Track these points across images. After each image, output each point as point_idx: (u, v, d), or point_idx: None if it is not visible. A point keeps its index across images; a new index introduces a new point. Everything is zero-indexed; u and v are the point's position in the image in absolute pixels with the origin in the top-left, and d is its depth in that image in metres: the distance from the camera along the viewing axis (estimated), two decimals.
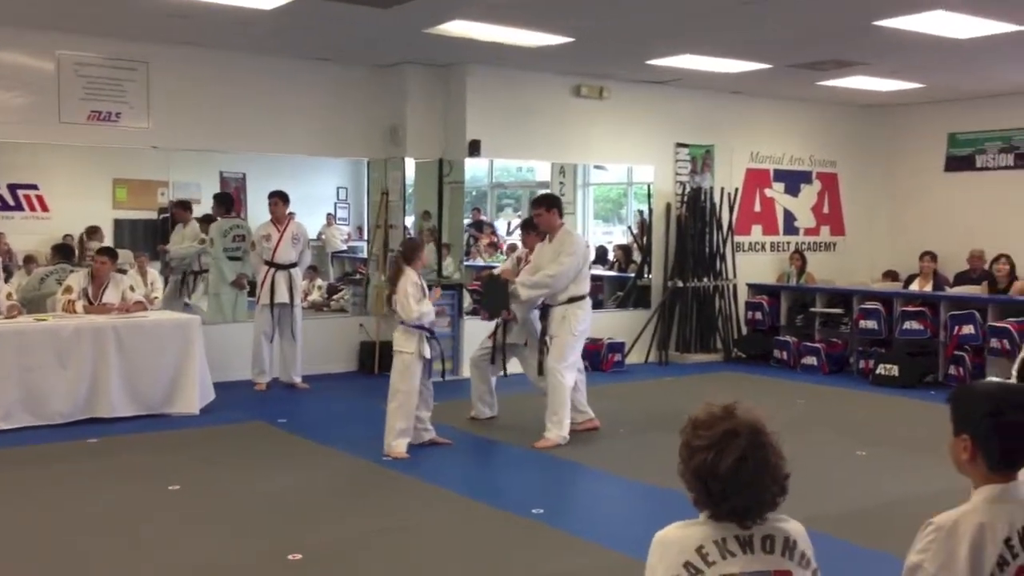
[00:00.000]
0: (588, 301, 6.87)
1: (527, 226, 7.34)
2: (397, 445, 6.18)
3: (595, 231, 12.68)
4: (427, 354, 6.22)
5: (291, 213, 8.69)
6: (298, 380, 8.59)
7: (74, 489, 5.46)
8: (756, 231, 11.63)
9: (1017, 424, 2.13)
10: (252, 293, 8.93)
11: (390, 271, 6.87)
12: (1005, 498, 2.14)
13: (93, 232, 9.28)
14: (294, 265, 8.56)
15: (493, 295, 7.09)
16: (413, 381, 6.20)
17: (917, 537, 2.15)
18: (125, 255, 9.25)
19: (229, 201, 9.41)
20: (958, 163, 11.62)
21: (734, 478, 1.93)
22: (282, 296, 8.43)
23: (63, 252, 8.63)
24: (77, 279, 7.48)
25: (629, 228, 12.01)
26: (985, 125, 11.31)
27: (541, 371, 6.81)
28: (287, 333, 8.54)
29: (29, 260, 8.88)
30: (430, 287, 6.55)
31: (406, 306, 6.12)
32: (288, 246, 8.49)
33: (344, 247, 12.79)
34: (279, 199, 8.56)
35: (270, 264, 8.45)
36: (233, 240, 9.04)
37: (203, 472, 5.87)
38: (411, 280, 6.17)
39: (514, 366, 7.33)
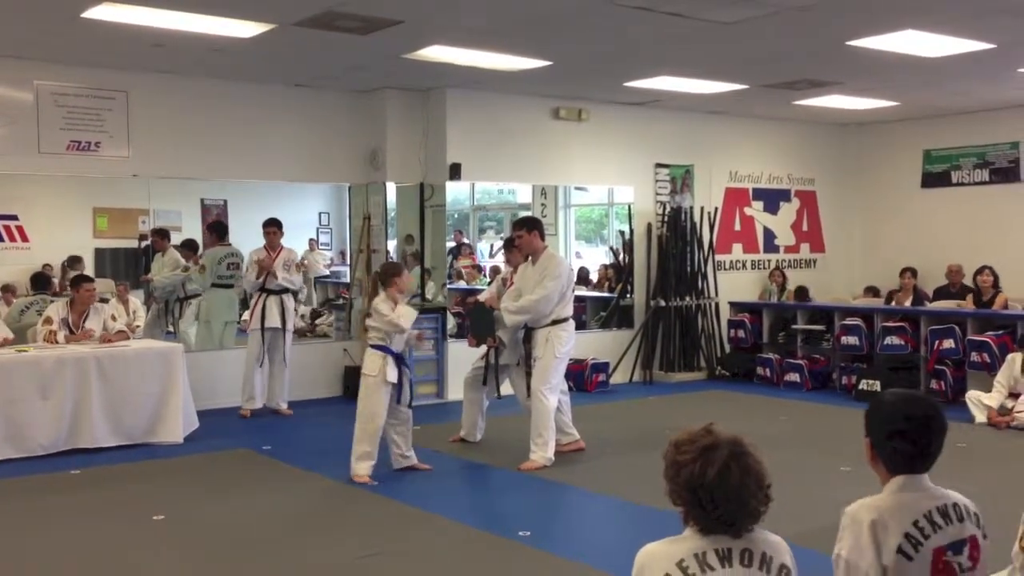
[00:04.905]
0: (571, 323, 6.89)
1: (509, 244, 7.37)
2: (358, 468, 6.11)
3: (579, 253, 12.73)
4: (391, 378, 6.11)
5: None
6: (284, 406, 8.57)
7: (57, 521, 5.41)
8: (737, 249, 11.71)
9: (903, 432, 2.35)
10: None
11: (368, 290, 6.84)
12: (908, 488, 2.37)
13: (75, 261, 9.24)
14: (286, 291, 8.56)
15: (479, 322, 7.13)
16: (377, 404, 6.08)
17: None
18: (106, 284, 9.21)
19: (222, 229, 9.46)
20: (934, 179, 11.76)
21: (721, 485, 2.04)
22: (273, 321, 8.42)
23: (41, 282, 8.58)
24: (56, 309, 7.43)
25: (611, 248, 12.06)
26: (960, 141, 11.46)
27: (530, 392, 6.82)
28: (278, 358, 8.52)
29: (7, 290, 8.82)
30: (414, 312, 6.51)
31: (382, 316, 6.02)
32: (280, 272, 8.49)
33: (327, 272, 12.77)
34: (277, 228, 8.58)
35: (262, 289, 8.45)
36: (227, 268, 9.06)
37: (188, 501, 5.83)
38: (383, 297, 6.12)
39: (505, 387, 7.34)
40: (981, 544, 2.38)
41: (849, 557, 2.30)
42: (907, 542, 2.27)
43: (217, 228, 9.47)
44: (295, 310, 10.05)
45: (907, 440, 2.35)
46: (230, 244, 9.32)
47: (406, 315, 6.09)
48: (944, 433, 2.41)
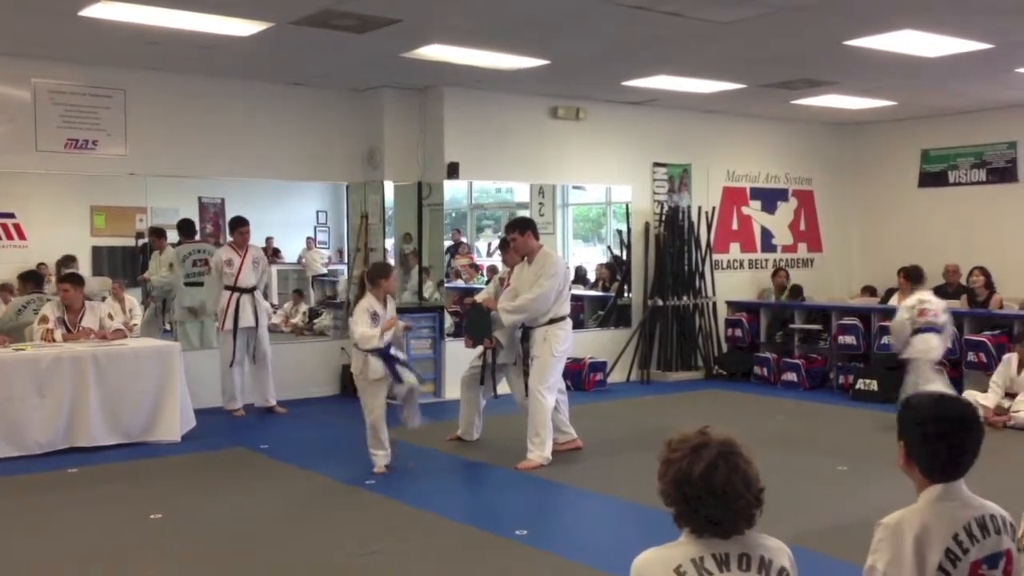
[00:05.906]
0: (568, 322, 6.89)
1: (505, 245, 7.36)
2: (375, 458, 6.29)
3: (575, 252, 12.74)
4: (373, 375, 6.18)
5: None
6: (274, 403, 8.54)
7: (54, 520, 5.41)
8: (734, 249, 11.71)
9: (940, 434, 2.30)
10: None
11: (355, 291, 6.89)
12: (947, 497, 2.30)
13: (69, 260, 9.21)
14: (255, 288, 8.54)
15: (476, 323, 7.11)
16: (370, 399, 6.23)
17: (873, 539, 2.30)
18: (103, 282, 9.19)
19: (187, 227, 9.45)
20: (931, 179, 11.77)
21: (707, 483, 2.03)
22: (248, 320, 8.39)
23: (34, 280, 8.53)
24: (51, 308, 7.39)
25: (608, 248, 12.07)
26: (957, 141, 11.48)
27: (528, 392, 6.82)
28: (258, 357, 8.48)
29: (4, 288, 8.80)
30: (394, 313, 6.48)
31: (353, 325, 6.19)
32: (249, 270, 8.46)
33: (325, 271, 12.77)
34: (248, 226, 8.56)
35: (233, 289, 8.40)
36: (193, 265, 9.03)
37: (185, 500, 5.83)
38: (364, 305, 6.19)
39: (502, 386, 7.33)
40: (1015, 556, 2.34)
41: (887, 571, 2.24)
42: (947, 558, 2.24)
43: (182, 226, 9.47)
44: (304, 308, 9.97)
45: (943, 443, 2.28)
46: (198, 241, 9.30)
47: (372, 340, 6.10)
48: (981, 436, 2.34)
